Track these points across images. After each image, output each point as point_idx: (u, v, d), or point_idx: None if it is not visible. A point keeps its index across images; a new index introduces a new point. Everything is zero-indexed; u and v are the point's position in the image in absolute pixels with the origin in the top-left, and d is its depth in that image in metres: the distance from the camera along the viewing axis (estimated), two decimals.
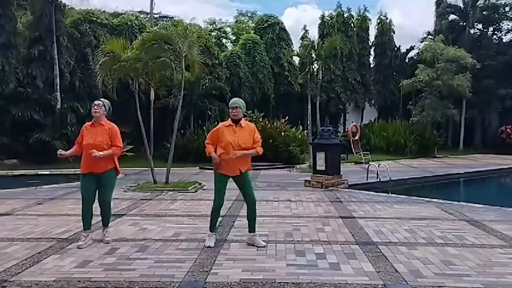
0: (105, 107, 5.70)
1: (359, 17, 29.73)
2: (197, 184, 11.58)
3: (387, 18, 31.08)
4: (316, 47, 17.05)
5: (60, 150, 5.88)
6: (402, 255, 5.14)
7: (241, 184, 5.59)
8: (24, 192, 10.67)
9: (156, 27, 14.56)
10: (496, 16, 30.06)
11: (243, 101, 5.61)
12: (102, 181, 5.61)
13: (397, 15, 57.87)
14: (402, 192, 10.78)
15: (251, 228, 5.64)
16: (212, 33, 31.33)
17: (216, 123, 20.12)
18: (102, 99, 5.86)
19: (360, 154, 19.90)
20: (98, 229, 5.99)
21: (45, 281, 4.29)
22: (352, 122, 24.33)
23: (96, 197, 5.72)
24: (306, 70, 16.93)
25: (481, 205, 8.57)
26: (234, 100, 5.54)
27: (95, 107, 5.65)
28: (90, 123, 5.76)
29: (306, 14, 57.39)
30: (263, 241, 5.59)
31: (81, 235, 5.69)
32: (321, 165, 11.37)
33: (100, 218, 5.81)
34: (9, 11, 17.90)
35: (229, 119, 5.53)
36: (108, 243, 5.61)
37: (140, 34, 16.50)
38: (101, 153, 5.41)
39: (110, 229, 5.97)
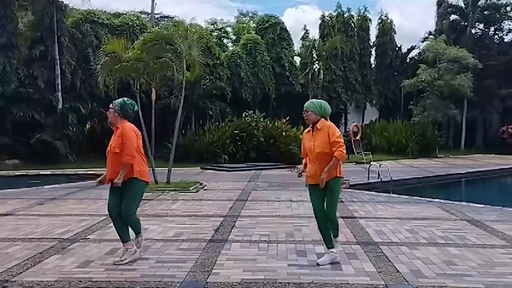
0: (115, 109, 5.02)
1: (359, 17, 29.74)
2: (198, 184, 11.58)
3: (388, 18, 31.12)
4: (317, 47, 17.08)
5: None
6: (403, 255, 5.14)
7: (325, 193, 4.96)
8: (26, 192, 10.67)
9: (157, 28, 14.58)
10: (497, 16, 30.01)
11: (318, 102, 5.04)
12: (122, 192, 4.90)
13: (397, 15, 57.97)
14: (403, 192, 10.76)
15: (333, 233, 5.06)
16: (213, 33, 31.35)
17: (217, 123, 20.31)
18: (115, 101, 5.13)
19: (361, 154, 19.88)
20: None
21: (46, 281, 4.30)
22: (354, 122, 24.31)
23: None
24: (307, 70, 16.98)
25: (482, 205, 8.56)
26: (306, 103, 5.06)
27: (107, 113, 5.13)
28: None
29: (306, 15, 57.48)
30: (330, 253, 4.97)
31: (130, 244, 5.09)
32: None
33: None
34: (11, 11, 17.90)
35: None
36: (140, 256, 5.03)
37: (141, 35, 16.51)
38: (119, 179, 4.79)
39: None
